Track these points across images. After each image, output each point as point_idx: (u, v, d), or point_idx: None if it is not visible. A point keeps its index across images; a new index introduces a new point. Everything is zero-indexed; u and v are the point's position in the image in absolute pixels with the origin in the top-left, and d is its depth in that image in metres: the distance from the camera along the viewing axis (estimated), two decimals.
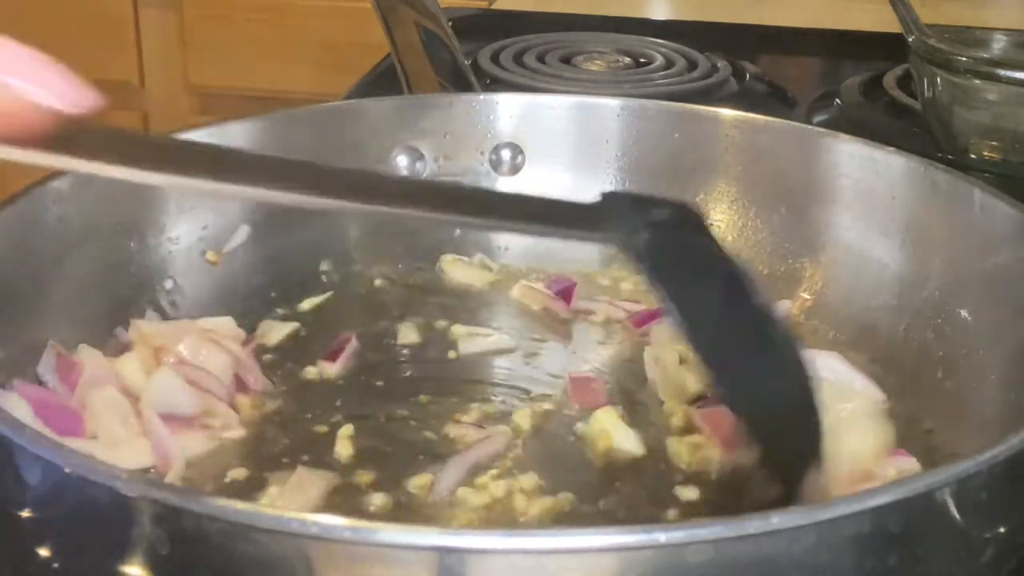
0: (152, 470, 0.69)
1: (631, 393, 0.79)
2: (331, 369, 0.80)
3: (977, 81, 1.08)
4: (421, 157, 0.97)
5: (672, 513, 0.67)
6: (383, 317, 0.88)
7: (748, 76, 1.37)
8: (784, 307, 0.88)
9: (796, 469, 0.58)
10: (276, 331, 0.84)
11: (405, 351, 0.83)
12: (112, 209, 0.84)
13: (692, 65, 1.40)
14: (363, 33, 1.97)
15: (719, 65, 1.39)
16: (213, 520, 0.50)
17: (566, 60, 1.41)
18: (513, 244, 0.96)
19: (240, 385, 0.76)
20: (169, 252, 0.88)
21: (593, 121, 0.99)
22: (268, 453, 0.72)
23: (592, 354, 0.84)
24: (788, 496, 0.57)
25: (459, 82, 1.08)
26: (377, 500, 0.67)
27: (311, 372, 0.80)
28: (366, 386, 0.79)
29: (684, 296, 0.56)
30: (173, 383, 0.73)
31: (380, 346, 0.84)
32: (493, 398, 0.77)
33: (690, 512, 0.67)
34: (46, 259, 0.79)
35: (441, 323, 0.87)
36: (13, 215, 0.77)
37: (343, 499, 0.68)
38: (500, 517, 0.67)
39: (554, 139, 0.99)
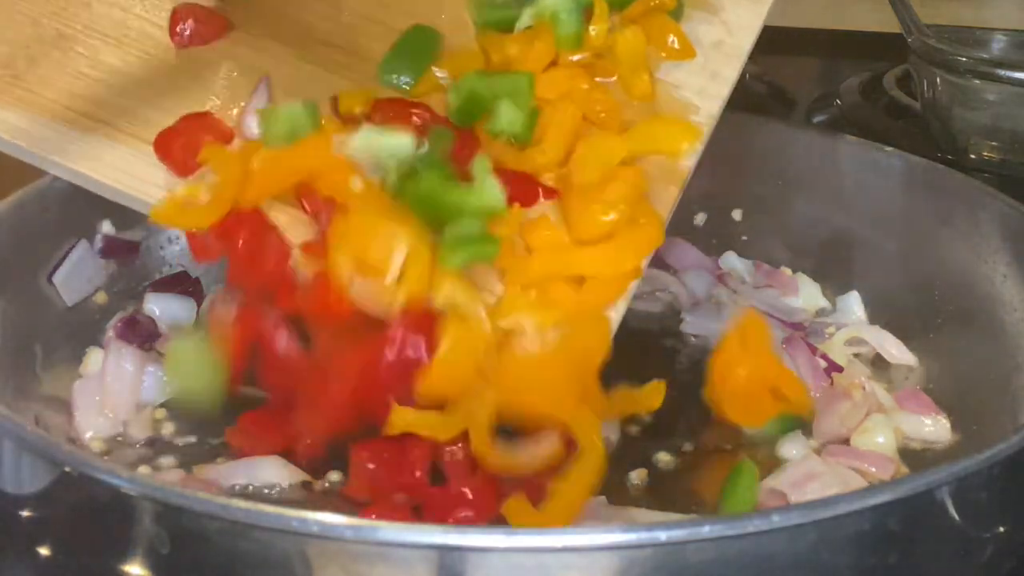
0: None
1: None
2: None
3: (977, 81, 1.08)
4: None
5: None
6: None
7: (748, 76, 1.36)
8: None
9: None
10: None
11: None
12: (111, 208, 0.84)
13: None
14: None
15: None
16: (213, 519, 0.50)
17: None
18: None
19: None
20: (168, 251, 0.88)
21: None
22: None
23: None
24: None
25: None
26: None
27: None
28: None
29: None
30: None
31: None
32: None
33: None
34: (47, 256, 0.80)
35: None
36: (14, 213, 0.78)
37: None
38: None
39: None
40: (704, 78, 0.78)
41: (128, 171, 0.70)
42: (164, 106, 0.72)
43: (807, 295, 0.89)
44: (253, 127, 0.71)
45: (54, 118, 0.70)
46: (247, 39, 0.76)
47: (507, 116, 0.71)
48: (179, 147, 0.70)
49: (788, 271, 0.91)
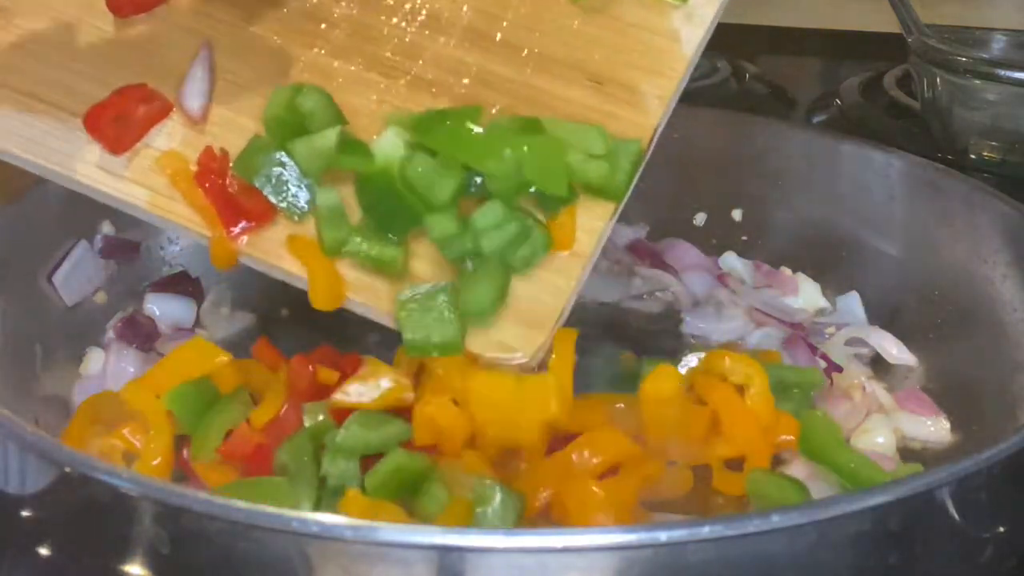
0: None
1: None
2: None
3: (977, 81, 1.09)
4: None
5: None
6: None
7: (748, 76, 1.37)
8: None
9: None
10: None
11: None
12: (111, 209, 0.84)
13: None
14: None
15: (719, 65, 1.39)
16: (213, 519, 0.50)
17: None
18: None
19: None
20: (168, 251, 0.88)
21: None
22: None
23: None
24: None
25: None
26: None
27: None
28: None
29: None
30: None
31: None
32: None
33: None
34: (47, 256, 0.80)
35: None
36: (14, 213, 0.78)
37: None
38: None
39: None
40: (679, 19, 0.72)
41: (61, 148, 0.68)
42: (102, 79, 0.69)
43: (807, 295, 0.89)
44: (193, 98, 0.69)
45: None
46: (190, 4, 0.73)
47: None
48: (110, 122, 0.68)
49: (788, 271, 0.91)
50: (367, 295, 0.66)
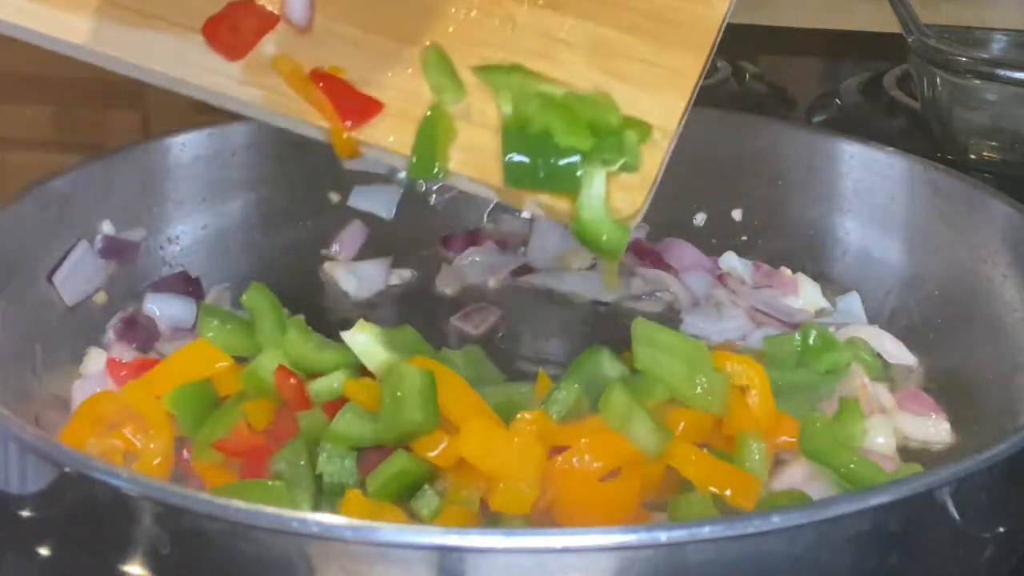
0: None
1: None
2: None
3: (977, 81, 1.08)
4: None
5: None
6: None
7: (748, 76, 1.37)
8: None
9: None
10: None
11: None
12: (111, 208, 0.84)
13: None
14: None
15: (719, 65, 1.39)
16: (214, 520, 0.50)
17: None
18: None
19: None
20: (168, 251, 0.88)
21: None
22: None
23: None
24: None
25: None
26: None
27: None
28: None
29: None
30: None
31: None
32: None
33: None
34: (47, 256, 0.80)
35: None
36: (14, 213, 0.78)
37: None
38: None
39: None
40: None
41: (184, 59, 0.71)
42: None
43: (807, 295, 0.89)
44: (296, 9, 0.72)
45: (107, 16, 0.71)
46: None
47: None
48: (226, 32, 0.72)
49: (788, 271, 0.91)
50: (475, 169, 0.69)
